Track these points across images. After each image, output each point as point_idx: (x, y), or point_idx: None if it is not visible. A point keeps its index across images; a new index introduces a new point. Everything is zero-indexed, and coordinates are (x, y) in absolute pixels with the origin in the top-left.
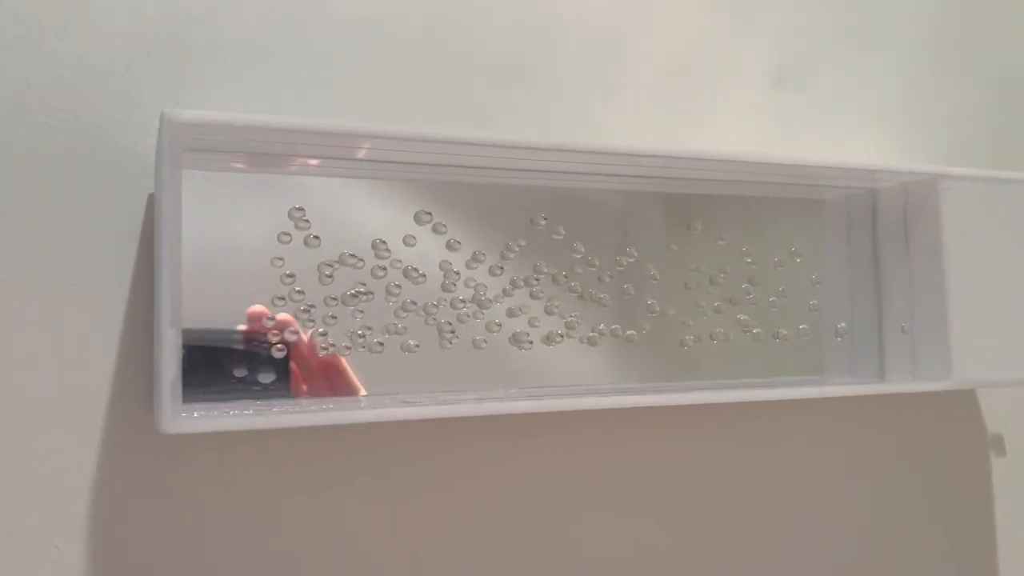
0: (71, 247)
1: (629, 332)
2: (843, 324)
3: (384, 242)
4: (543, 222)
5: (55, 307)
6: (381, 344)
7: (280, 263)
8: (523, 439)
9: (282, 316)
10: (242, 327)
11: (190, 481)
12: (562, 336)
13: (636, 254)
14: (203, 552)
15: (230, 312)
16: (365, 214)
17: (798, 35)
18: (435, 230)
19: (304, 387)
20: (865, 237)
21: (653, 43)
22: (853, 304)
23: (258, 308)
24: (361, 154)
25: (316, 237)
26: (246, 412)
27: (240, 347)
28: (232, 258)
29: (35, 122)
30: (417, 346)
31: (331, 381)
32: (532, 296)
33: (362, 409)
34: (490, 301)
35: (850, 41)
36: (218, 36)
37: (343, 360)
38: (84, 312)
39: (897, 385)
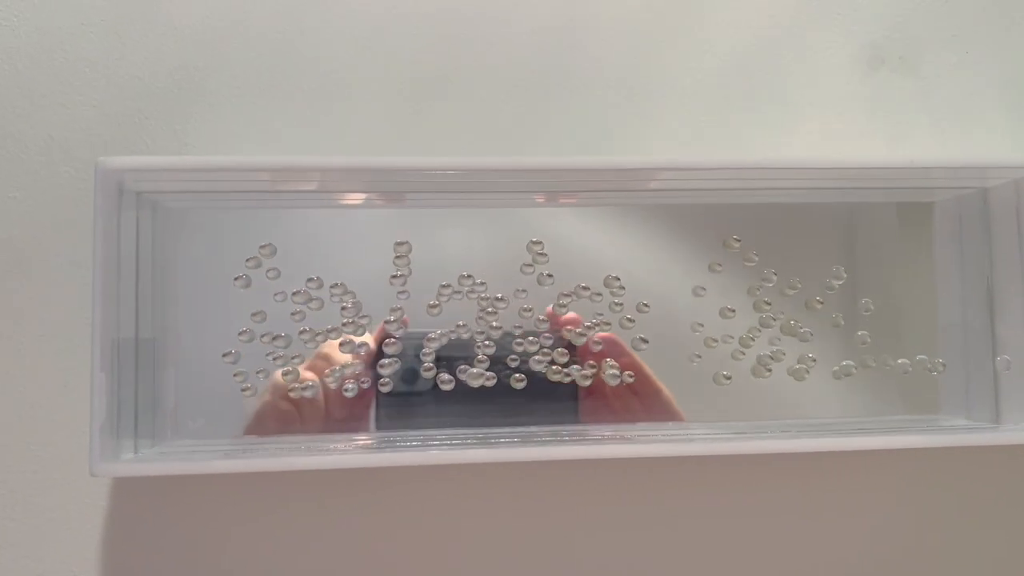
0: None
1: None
2: (923, 356)
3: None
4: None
5: (67, 344)
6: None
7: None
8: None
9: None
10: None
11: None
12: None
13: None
14: None
15: None
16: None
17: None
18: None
19: (616, 404)
20: (976, 247)
21: (720, 23)
22: (966, 329)
23: (573, 315)
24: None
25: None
26: (184, 454)
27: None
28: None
29: (61, 172)
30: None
31: (645, 402)
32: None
33: (305, 455)
34: None
35: (972, 8)
36: (228, 81)
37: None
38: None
39: (981, 435)
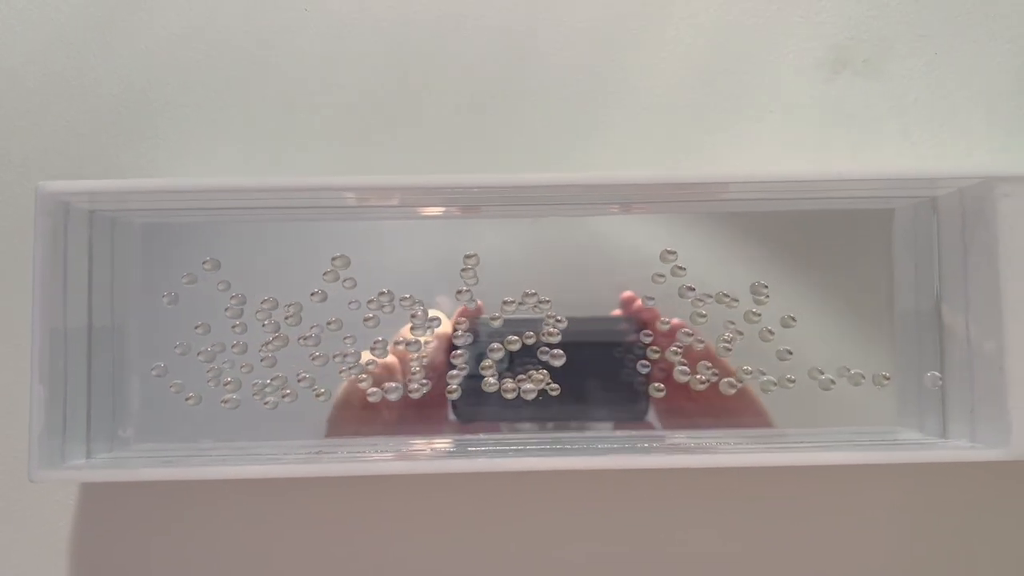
0: None
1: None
2: (856, 370)
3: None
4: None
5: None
6: None
7: None
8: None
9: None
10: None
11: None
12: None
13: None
14: None
15: None
16: None
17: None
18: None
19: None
20: (929, 256)
21: (674, 31)
22: (920, 340)
23: (630, 293)
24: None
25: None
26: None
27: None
28: None
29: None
30: None
31: (727, 400)
32: None
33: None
34: None
35: (940, 6)
36: (197, 102)
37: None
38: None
39: (916, 452)
